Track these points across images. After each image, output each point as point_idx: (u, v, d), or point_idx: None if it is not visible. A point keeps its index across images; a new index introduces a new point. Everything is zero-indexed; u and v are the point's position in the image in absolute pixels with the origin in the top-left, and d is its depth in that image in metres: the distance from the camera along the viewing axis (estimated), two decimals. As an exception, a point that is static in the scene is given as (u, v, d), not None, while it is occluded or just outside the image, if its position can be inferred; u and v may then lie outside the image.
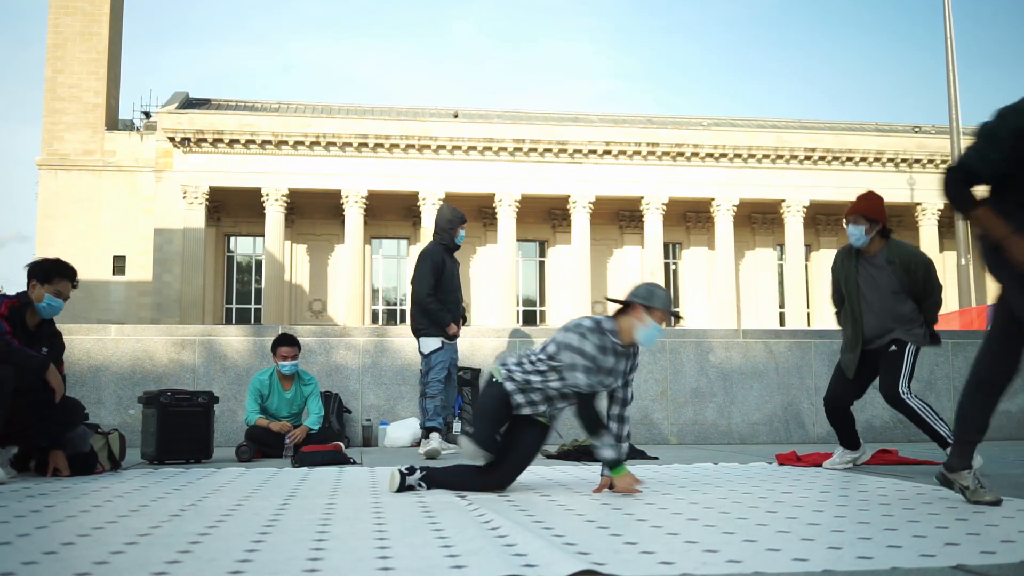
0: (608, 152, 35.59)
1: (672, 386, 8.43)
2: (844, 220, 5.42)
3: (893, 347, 5.26)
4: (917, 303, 5.33)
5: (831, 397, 5.57)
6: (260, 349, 8.04)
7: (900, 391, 5.19)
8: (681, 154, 35.88)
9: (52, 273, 5.11)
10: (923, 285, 5.31)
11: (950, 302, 25.45)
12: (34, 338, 5.09)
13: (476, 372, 8.28)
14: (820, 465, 5.66)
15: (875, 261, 5.34)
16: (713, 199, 36.10)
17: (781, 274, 38.12)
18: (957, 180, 3.53)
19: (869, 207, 5.29)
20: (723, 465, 5.67)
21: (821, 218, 38.14)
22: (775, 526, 3.01)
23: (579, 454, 6.38)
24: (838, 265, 5.56)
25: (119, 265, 36.02)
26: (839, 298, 5.59)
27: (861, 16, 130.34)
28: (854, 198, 5.46)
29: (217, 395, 6.55)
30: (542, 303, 37.64)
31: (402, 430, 8.01)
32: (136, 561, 2.41)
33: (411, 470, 4.17)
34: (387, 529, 2.97)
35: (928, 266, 5.38)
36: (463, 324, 7.19)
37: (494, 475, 4.14)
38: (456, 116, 37.70)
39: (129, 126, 38.90)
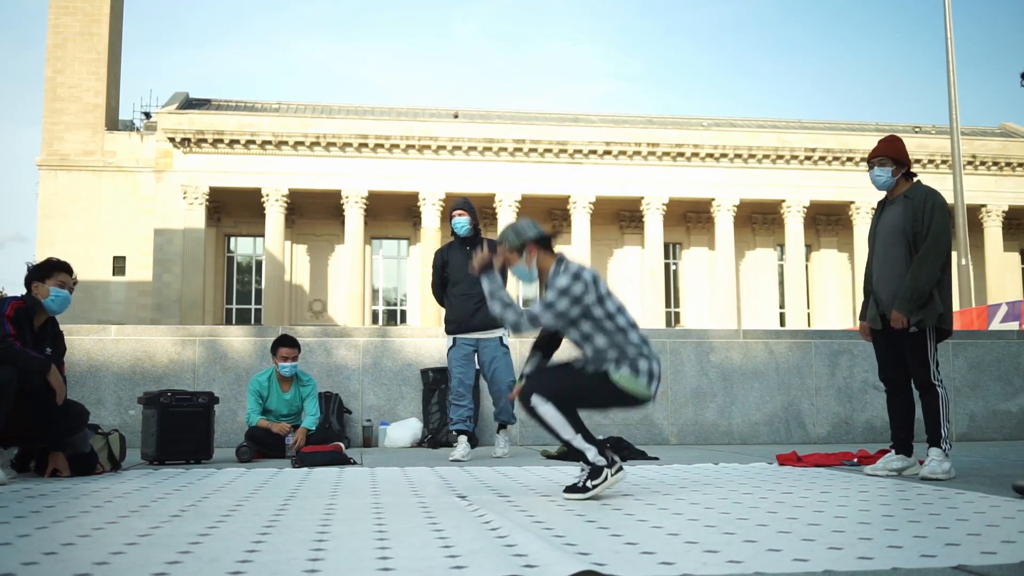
0: (608, 152, 35.59)
1: (672, 386, 8.43)
2: (868, 164, 5.12)
3: (913, 328, 4.87)
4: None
5: (879, 368, 5.18)
6: (261, 350, 8.03)
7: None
8: (681, 154, 35.90)
9: (47, 269, 5.16)
10: (927, 227, 4.80)
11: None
12: (39, 339, 5.11)
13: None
14: (821, 465, 5.56)
15: (894, 204, 5.02)
16: (713, 199, 36.10)
17: (781, 274, 38.12)
18: None
19: (894, 148, 5.03)
20: (723, 465, 5.66)
21: (821, 218, 38.13)
22: (776, 526, 3.00)
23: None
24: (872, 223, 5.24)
25: (119, 265, 36.02)
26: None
27: (861, 16, 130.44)
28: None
29: (217, 395, 6.55)
30: (542, 303, 37.60)
31: (402, 430, 8.00)
32: (136, 562, 2.41)
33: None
34: (387, 529, 2.97)
35: (942, 208, 4.85)
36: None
37: None
38: (456, 116, 37.70)
39: (129, 126, 38.91)
